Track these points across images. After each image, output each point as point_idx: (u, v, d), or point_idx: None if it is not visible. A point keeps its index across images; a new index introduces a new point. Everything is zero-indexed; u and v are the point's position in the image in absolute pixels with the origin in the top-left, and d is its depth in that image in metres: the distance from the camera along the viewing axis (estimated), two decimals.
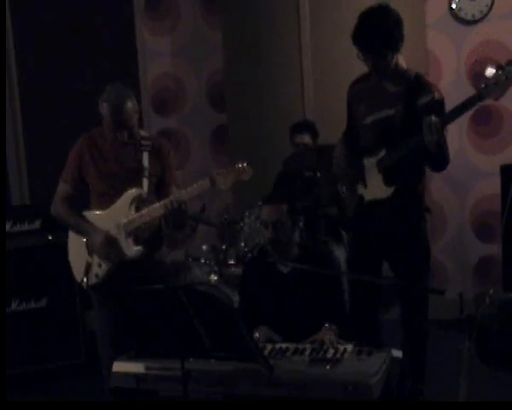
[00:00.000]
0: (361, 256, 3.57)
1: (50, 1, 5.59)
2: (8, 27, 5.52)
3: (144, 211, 3.34)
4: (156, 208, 3.32)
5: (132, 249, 3.38)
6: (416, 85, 3.32)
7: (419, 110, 3.23)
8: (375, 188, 3.40)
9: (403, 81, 3.35)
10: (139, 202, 3.38)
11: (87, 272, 3.45)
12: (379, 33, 3.23)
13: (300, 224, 3.41)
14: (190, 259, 4.68)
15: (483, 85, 3.03)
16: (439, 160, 3.29)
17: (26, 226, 4.62)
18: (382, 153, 3.34)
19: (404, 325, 3.61)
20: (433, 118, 3.07)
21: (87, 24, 5.58)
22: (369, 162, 3.41)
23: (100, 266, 3.42)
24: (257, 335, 3.12)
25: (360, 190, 3.47)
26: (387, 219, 3.41)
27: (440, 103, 3.28)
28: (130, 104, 3.32)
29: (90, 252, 3.44)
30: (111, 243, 3.35)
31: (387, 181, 3.36)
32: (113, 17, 5.64)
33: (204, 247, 4.79)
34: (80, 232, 3.46)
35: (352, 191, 3.50)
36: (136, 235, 3.39)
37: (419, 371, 3.59)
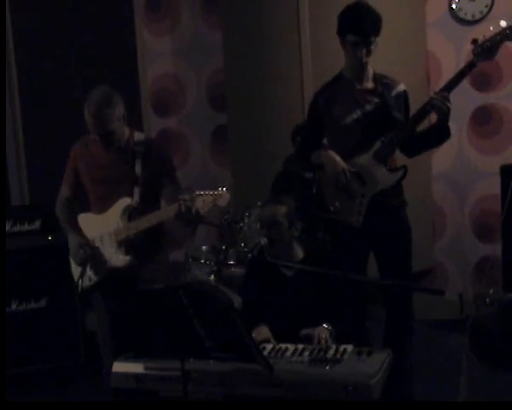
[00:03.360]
0: (350, 251, 3.57)
1: (50, 1, 5.60)
2: (8, 27, 5.53)
3: (132, 223, 3.35)
4: (143, 221, 3.32)
5: (120, 258, 3.38)
6: (384, 80, 3.57)
7: (393, 101, 3.52)
8: (379, 179, 3.48)
9: (372, 78, 3.56)
10: (130, 212, 3.38)
11: (82, 274, 3.46)
12: (377, 18, 3.44)
13: (300, 225, 3.40)
14: (190, 259, 4.68)
15: (478, 43, 3.31)
16: (446, 133, 3.48)
17: (26, 226, 4.62)
18: (377, 145, 3.46)
19: (389, 324, 3.65)
20: (442, 93, 3.33)
21: (87, 24, 5.59)
22: (364, 158, 3.48)
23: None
24: (253, 335, 3.12)
25: (358, 189, 3.48)
26: (392, 205, 3.53)
27: (407, 93, 3.60)
28: (109, 110, 3.28)
29: None
30: (85, 250, 3.37)
31: (391, 168, 3.50)
32: (113, 17, 5.64)
33: (204, 247, 4.79)
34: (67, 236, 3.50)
35: (348, 198, 3.50)
36: (126, 244, 3.38)
37: (404, 370, 3.59)
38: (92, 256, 3.38)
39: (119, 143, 3.39)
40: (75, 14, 5.56)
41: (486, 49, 3.33)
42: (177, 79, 5.82)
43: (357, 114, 3.49)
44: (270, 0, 5.10)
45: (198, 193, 3.16)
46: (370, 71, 3.55)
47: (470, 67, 3.39)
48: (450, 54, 5.07)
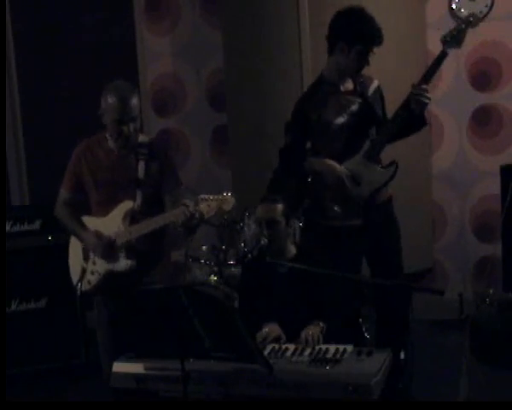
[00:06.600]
0: (348, 253, 3.58)
1: (50, 1, 5.60)
2: (8, 27, 5.53)
3: (134, 227, 3.31)
4: (145, 225, 3.28)
5: (122, 263, 3.34)
6: (360, 79, 3.60)
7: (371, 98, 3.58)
8: (373, 178, 3.50)
9: (350, 79, 3.60)
10: (133, 216, 3.34)
11: (81, 277, 3.44)
12: (381, 29, 3.50)
13: (298, 223, 3.41)
14: (190, 259, 4.68)
15: (444, 36, 3.50)
16: (423, 122, 3.57)
17: (25, 227, 4.62)
18: (366, 145, 3.50)
19: (379, 323, 3.68)
20: (421, 87, 3.42)
21: (87, 24, 5.59)
22: (355, 160, 3.51)
23: (93, 273, 3.42)
24: (266, 330, 3.11)
25: (354, 191, 3.49)
26: (381, 201, 3.56)
27: (381, 88, 3.67)
28: (134, 97, 3.29)
29: (86, 258, 3.44)
30: (103, 240, 3.32)
31: (383, 164, 3.54)
32: (113, 17, 5.64)
33: (204, 247, 4.78)
34: (76, 237, 3.47)
35: (348, 202, 3.50)
36: (127, 249, 3.34)
37: (402, 370, 3.60)
38: (111, 248, 3.33)
39: (133, 140, 3.34)
40: (75, 13, 5.57)
41: (454, 38, 3.53)
42: (177, 79, 5.82)
43: (343, 117, 3.51)
44: (269, 0, 5.10)
45: (202, 198, 3.14)
46: None
47: (443, 55, 3.54)
48: (450, 54, 5.06)
